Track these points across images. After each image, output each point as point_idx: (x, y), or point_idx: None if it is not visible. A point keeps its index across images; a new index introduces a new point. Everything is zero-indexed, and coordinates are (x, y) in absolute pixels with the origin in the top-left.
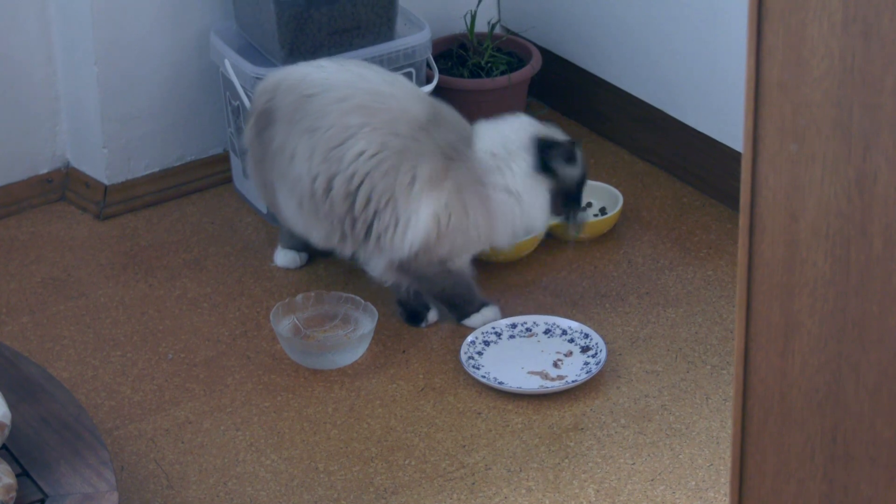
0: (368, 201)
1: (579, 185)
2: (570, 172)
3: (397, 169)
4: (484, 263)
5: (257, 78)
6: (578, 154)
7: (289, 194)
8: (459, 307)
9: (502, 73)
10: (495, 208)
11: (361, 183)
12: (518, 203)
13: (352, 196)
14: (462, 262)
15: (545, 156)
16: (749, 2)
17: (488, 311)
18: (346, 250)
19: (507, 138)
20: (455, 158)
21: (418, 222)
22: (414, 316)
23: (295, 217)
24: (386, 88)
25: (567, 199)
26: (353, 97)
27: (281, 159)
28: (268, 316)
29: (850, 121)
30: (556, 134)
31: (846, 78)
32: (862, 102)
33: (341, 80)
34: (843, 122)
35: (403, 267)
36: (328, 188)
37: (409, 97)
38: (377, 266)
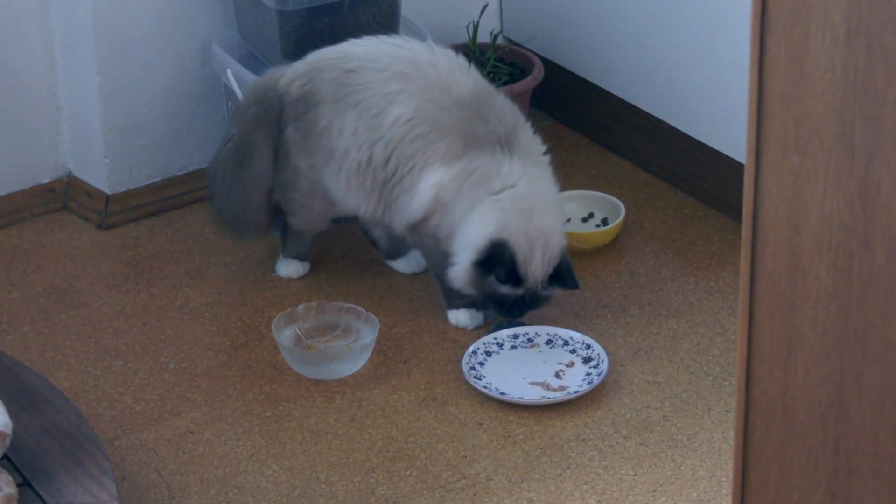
0: (398, 165)
1: (514, 305)
2: (502, 292)
3: (426, 136)
4: None
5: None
6: (531, 284)
7: (337, 173)
8: (447, 294)
9: (504, 83)
10: (477, 214)
11: (396, 148)
12: (470, 242)
13: (386, 161)
14: (453, 250)
15: (488, 265)
16: (752, 14)
17: (465, 315)
18: (385, 218)
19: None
20: (477, 148)
21: (422, 193)
22: (389, 253)
23: (345, 195)
24: (425, 57)
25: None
26: (391, 66)
27: (328, 138)
28: (269, 326)
29: (852, 133)
30: (518, 250)
31: (849, 91)
32: (864, 115)
33: (381, 51)
34: (846, 135)
35: (410, 230)
36: (370, 157)
37: (452, 69)
38: (399, 224)
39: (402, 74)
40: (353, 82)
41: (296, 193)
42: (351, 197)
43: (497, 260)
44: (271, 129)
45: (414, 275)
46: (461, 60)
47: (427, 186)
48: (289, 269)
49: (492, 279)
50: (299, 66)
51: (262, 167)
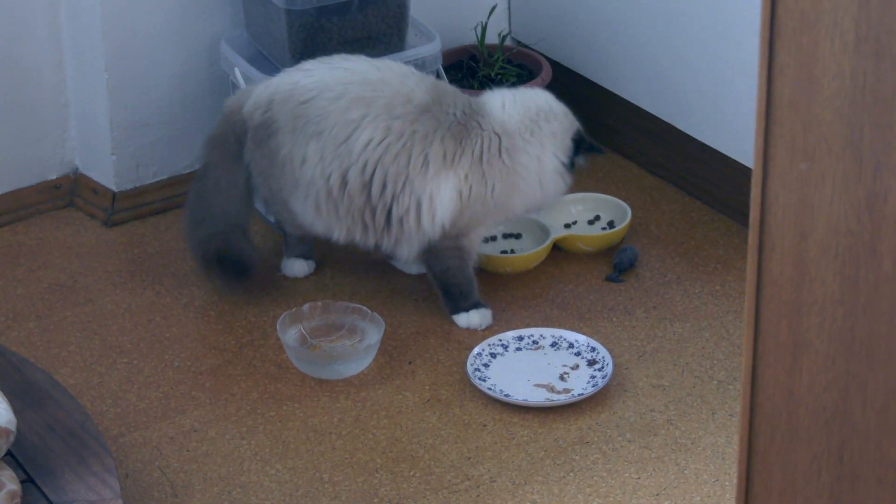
0: (384, 187)
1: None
2: (582, 165)
3: (408, 150)
4: (491, 275)
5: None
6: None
7: (304, 200)
8: (455, 298)
9: (512, 85)
10: (518, 177)
11: (374, 170)
12: (539, 179)
13: (367, 185)
14: (474, 239)
15: (578, 152)
16: (761, 19)
17: (476, 315)
18: (370, 242)
19: (533, 114)
20: (468, 133)
21: (443, 202)
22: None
23: (313, 220)
24: (376, 75)
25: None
26: (347, 92)
27: (291, 167)
28: (274, 325)
29: (860, 140)
30: (576, 123)
31: (857, 97)
32: (873, 122)
33: (332, 78)
34: (854, 142)
35: (430, 251)
36: (343, 183)
37: (402, 80)
38: (409, 251)
39: (359, 99)
40: (310, 113)
41: (276, 208)
42: (320, 222)
43: (583, 148)
44: (229, 150)
45: (421, 275)
46: (405, 67)
47: (446, 194)
48: (294, 268)
49: (579, 160)
50: (261, 92)
51: (217, 187)
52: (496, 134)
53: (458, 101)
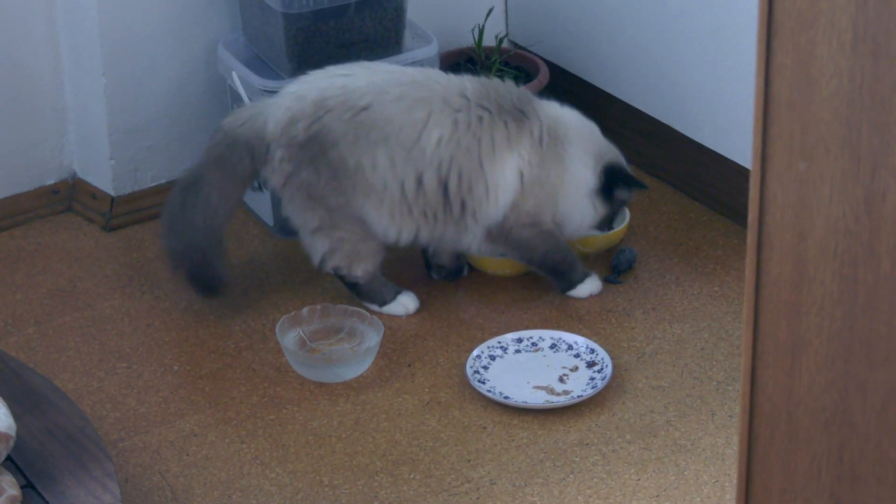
0: (460, 181)
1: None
2: (625, 198)
3: (477, 138)
4: (490, 277)
5: (265, 90)
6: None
7: (378, 206)
8: (564, 274)
9: None
10: (566, 171)
11: (450, 167)
12: (580, 187)
13: (443, 183)
14: (550, 223)
15: (612, 184)
16: (758, 19)
17: (590, 284)
18: (435, 237)
19: (580, 124)
20: (526, 117)
21: (506, 182)
22: (456, 271)
23: (387, 227)
24: (420, 75)
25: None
26: (406, 94)
27: (362, 176)
28: (273, 329)
29: (858, 140)
30: (621, 158)
31: (855, 97)
32: (871, 122)
33: (383, 81)
34: (852, 142)
35: (496, 233)
36: (419, 184)
37: (444, 76)
38: (473, 241)
39: (420, 99)
40: (373, 118)
41: (340, 232)
42: (393, 227)
43: (617, 177)
44: (235, 171)
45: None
46: (439, 70)
47: (509, 175)
48: (398, 307)
49: (620, 193)
50: (294, 105)
51: (207, 203)
52: (553, 121)
53: (509, 89)
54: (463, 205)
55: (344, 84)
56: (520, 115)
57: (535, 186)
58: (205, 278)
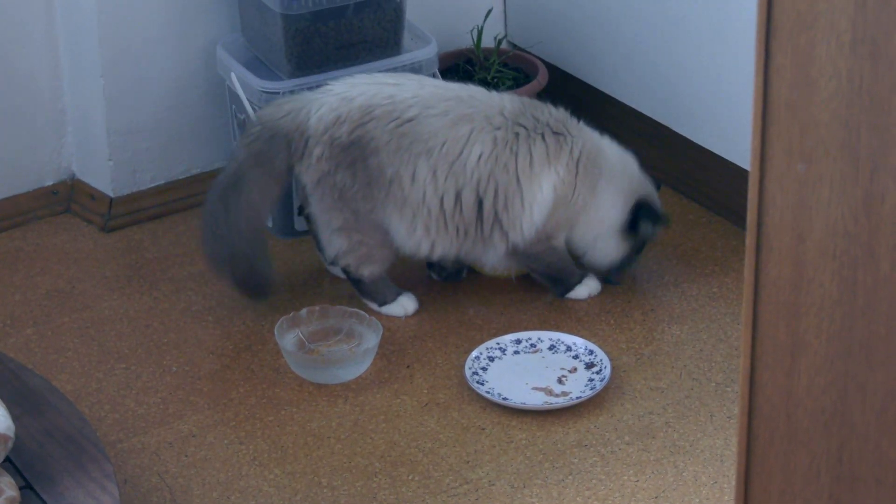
0: (495, 197)
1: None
2: (651, 234)
3: (514, 155)
4: (488, 279)
5: (264, 91)
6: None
7: (410, 219)
8: (563, 281)
9: (508, 88)
10: (596, 195)
11: (488, 184)
12: (606, 218)
13: (479, 200)
14: (560, 239)
15: (640, 219)
16: (757, 20)
17: (590, 282)
18: (462, 252)
19: (610, 165)
20: (565, 135)
21: (542, 197)
22: (456, 273)
23: (420, 240)
24: (464, 92)
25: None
26: (451, 109)
27: (398, 187)
28: (272, 330)
29: (857, 141)
30: (653, 194)
31: (854, 99)
32: (870, 123)
33: (431, 95)
34: (851, 143)
35: (518, 249)
36: (457, 200)
37: (485, 93)
38: (494, 256)
39: (463, 116)
40: (417, 131)
41: (360, 236)
42: (427, 240)
43: (646, 214)
44: (273, 166)
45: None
46: (481, 88)
47: (546, 190)
48: (397, 308)
49: (645, 230)
50: (342, 106)
51: (249, 204)
52: (594, 147)
53: (546, 109)
54: (493, 222)
55: (392, 94)
56: (559, 133)
57: (560, 206)
58: (253, 283)
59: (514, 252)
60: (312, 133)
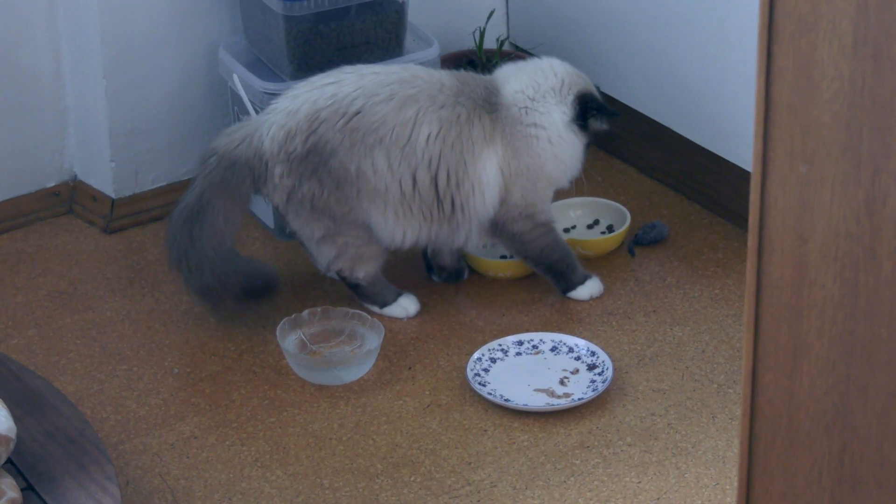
0: (448, 177)
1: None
2: (602, 127)
3: (460, 136)
4: (491, 280)
5: (266, 93)
6: (613, 114)
7: (383, 209)
8: (563, 274)
9: None
10: (538, 141)
11: (439, 164)
12: (556, 137)
13: (434, 180)
14: (546, 210)
15: (587, 113)
16: (759, 23)
17: (593, 283)
18: (433, 235)
19: (540, 82)
20: (495, 110)
21: (489, 179)
22: (457, 274)
23: (393, 229)
24: (406, 73)
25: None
26: (395, 93)
27: (366, 181)
28: (274, 331)
29: (859, 143)
30: (591, 86)
31: (856, 100)
32: (871, 125)
33: (371, 83)
34: (853, 145)
35: (491, 229)
36: (414, 182)
37: (426, 72)
38: (466, 237)
39: (408, 97)
40: (366, 122)
41: (345, 238)
42: (398, 228)
43: (589, 105)
44: (238, 192)
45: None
46: (420, 66)
47: (491, 171)
48: (398, 309)
49: (594, 123)
50: (289, 121)
51: (214, 230)
52: (511, 106)
53: (479, 81)
54: (453, 202)
55: (333, 92)
56: (491, 109)
57: (518, 176)
58: (255, 285)
59: (492, 231)
60: (269, 156)
